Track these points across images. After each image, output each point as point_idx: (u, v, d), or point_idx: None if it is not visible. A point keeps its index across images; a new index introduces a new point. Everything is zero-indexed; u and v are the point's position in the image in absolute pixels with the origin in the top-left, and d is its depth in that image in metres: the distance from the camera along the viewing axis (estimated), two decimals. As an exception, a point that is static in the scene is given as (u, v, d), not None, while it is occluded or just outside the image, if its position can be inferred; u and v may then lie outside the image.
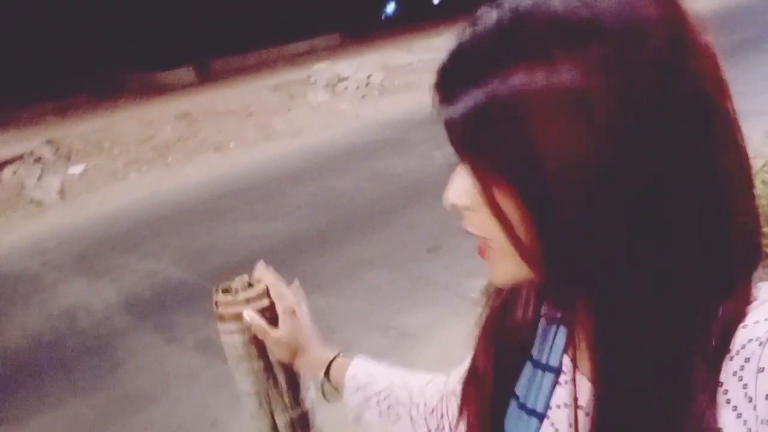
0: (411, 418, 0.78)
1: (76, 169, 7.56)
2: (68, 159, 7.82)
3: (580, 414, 0.56)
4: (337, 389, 0.82)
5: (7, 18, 11.99)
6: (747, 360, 0.44)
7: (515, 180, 0.45)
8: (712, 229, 0.45)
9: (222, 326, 0.82)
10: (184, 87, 11.81)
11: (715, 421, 0.45)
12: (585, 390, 0.56)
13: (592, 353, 0.53)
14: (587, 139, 0.42)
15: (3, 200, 6.88)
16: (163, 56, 12.85)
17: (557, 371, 0.59)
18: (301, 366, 0.84)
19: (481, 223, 0.50)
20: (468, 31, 0.48)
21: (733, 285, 0.46)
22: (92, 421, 2.97)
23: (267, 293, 0.82)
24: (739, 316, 0.46)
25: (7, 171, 7.36)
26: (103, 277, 4.57)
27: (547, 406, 0.59)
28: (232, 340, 0.81)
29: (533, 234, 0.46)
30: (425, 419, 0.77)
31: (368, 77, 10.43)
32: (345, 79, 10.30)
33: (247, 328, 0.81)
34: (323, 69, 10.49)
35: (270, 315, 0.81)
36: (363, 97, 10.03)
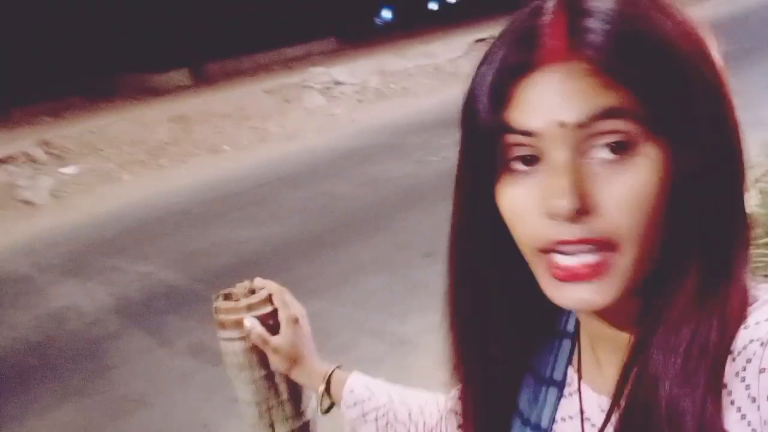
0: None
1: (68, 171, 7.51)
2: (61, 160, 7.77)
3: (587, 425, 0.56)
4: (335, 402, 0.81)
5: (2, 18, 11.93)
6: (749, 361, 0.44)
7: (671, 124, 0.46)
8: (730, 218, 0.48)
9: (222, 333, 0.80)
10: (178, 89, 11.79)
11: (720, 423, 0.44)
12: (592, 401, 0.56)
13: (625, 365, 0.51)
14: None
15: (-5, 201, 6.83)
16: (158, 58, 12.82)
17: (561, 384, 0.59)
18: (298, 377, 0.82)
19: (607, 222, 0.46)
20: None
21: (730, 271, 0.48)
22: (82, 425, 2.93)
23: (269, 300, 0.79)
24: (739, 317, 0.46)
25: (0, 171, 7.31)
26: (94, 279, 4.53)
27: (552, 420, 0.59)
28: (232, 347, 0.79)
29: (662, 210, 0.46)
30: None
31: (364, 82, 10.44)
32: (341, 83, 10.30)
33: (247, 336, 0.79)
34: (319, 73, 10.48)
35: (272, 323, 0.79)
36: (359, 101, 10.03)
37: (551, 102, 0.45)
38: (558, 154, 0.46)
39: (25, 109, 10.74)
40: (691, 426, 0.45)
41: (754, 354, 0.44)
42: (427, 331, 3.17)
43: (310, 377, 0.82)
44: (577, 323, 0.59)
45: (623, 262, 0.46)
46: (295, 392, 0.83)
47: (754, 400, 0.43)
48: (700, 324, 0.46)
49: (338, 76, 10.45)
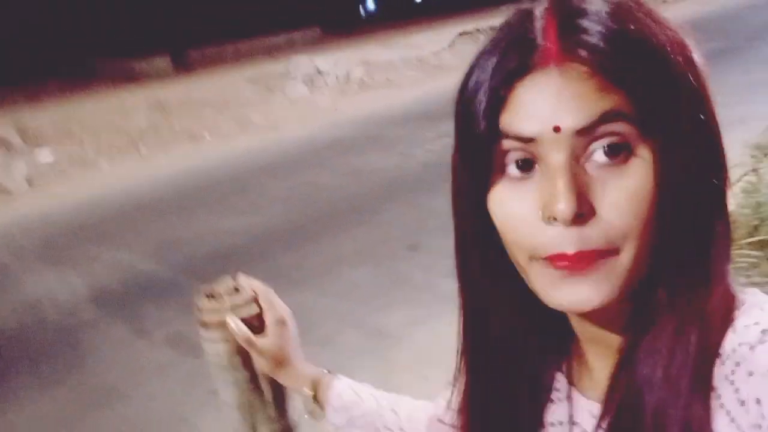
0: None
1: (45, 157, 7.38)
2: (37, 146, 7.63)
3: (577, 431, 0.56)
4: (322, 407, 0.80)
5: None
6: (738, 364, 0.44)
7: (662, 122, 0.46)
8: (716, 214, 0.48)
9: (205, 333, 0.77)
10: (159, 76, 11.62)
11: (709, 426, 0.45)
12: (582, 407, 0.56)
13: (615, 370, 0.51)
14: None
15: (-32, 186, 6.69)
16: (139, 43, 12.62)
17: (551, 389, 0.59)
18: (283, 379, 0.81)
19: (604, 225, 0.46)
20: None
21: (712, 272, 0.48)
22: (57, 416, 2.88)
23: (255, 301, 0.77)
24: (725, 320, 0.46)
25: (-27, 156, 7.16)
26: (71, 268, 4.46)
27: (541, 425, 0.59)
28: (215, 349, 0.76)
29: (652, 213, 0.47)
30: None
31: (348, 72, 10.38)
32: (324, 73, 10.24)
33: (231, 337, 0.76)
34: (302, 62, 10.40)
35: (257, 324, 0.77)
36: (342, 92, 9.98)
37: (549, 107, 0.45)
38: (556, 158, 0.46)
39: (0, 93, 10.50)
40: (676, 430, 0.45)
41: (743, 357, 0.44)
42: (410, 325, 3.17)
43: (296, 380, 0.80)
44: (569, 328, 0.58)
45: (620, 263, 0.46)
46: (279, 394, 0.81)
47: (743, 403, 0.43)
48: (682, 326, 0.46)
49: (321, 65, 10.38)
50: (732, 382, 0.44)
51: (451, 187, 0.55)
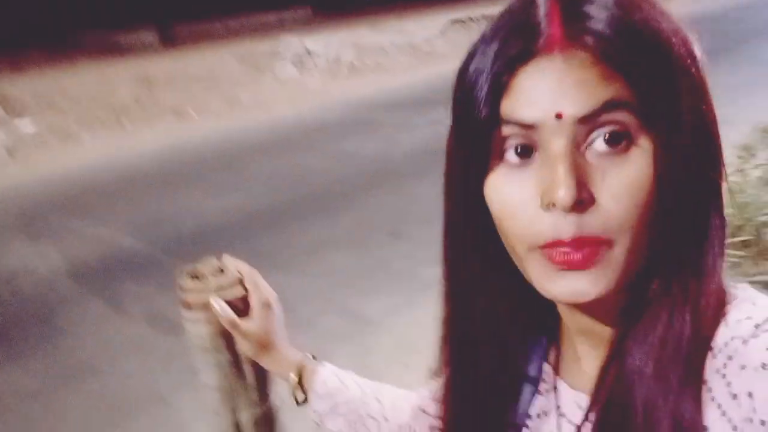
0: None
1: (26, 127, 7.25)
2: (18, 116, 7.48)
3: (563, 422, 0.56)
4: (305, 393, 0.79)
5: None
6: (730, 358, 0.44)
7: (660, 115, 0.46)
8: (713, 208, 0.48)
9: (187, 314, 0.75)
10: (145, 49, 11.42)
11: (700, 420, 0.45)
12: (568, 398, 0.56)
13: (605, 361, 0.51)
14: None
15: (-55, 154, 6.56)
16: (125, 15, 12.38)
17: (536, 380, 0.59)
18: (267, 363, 0.79)
19: (603, 214, 0.45)
20: None
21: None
22: (32, 391, 2.85)
23: (240, 282, 0.75)
24: (716, 313, 0.47)
25: (-49, 123, 7.01)
26: (49, 241, 4.40)
27: (527, 416, 0.59)
28: (198, 330, 0.75)
29: (651, 201, 0.46)
30: None
31: (338, 55, 10.29)
32: (314, 54, 10.13)
33: (215, 319, 0.74)
34: (292, 43, 10.28)
35: (242, 306, 0.75)
36: (332, 74, 9.90)
37: (551, 93, 0.45)
38: (556, 145, 0.45)
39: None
40: (666, 423, 0.45)
41: (735, 351, 0.44)
42: (391, 311, 3.17)
43: (280, 365, 0.79)
44: (555, 318, 0.58)
45: (617, 254, 0.46)
46: (261, 377, 0.80)
47: (735, 396, 0.44)
48: (674, 318, 0.46)
49: (312, 46, 10.27)
50: (724, 376, 0.44)
51: (444, 172, 0.54)
